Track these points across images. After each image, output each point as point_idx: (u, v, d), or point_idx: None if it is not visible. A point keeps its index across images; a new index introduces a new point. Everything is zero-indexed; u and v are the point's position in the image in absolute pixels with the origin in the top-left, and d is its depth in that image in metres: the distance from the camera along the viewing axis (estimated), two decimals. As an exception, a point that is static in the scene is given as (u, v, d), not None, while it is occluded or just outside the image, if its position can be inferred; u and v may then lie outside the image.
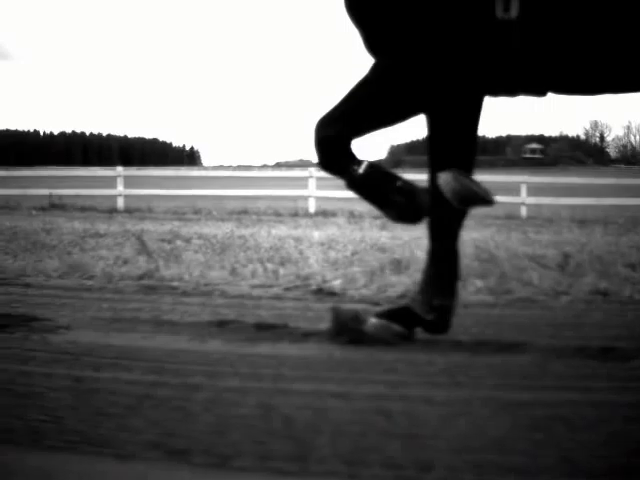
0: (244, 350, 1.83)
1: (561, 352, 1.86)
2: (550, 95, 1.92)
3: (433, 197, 1.89)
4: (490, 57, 1.76)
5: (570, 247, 4.50)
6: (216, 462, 1.11)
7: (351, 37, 1.92)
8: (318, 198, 10.74)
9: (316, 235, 5.94)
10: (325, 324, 2.01)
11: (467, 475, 1.10)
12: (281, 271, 3.07)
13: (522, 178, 11.18)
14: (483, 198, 1.87)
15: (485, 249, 3.58)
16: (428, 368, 1.70)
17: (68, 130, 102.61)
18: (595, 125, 79.36)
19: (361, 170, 1.81)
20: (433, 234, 1.99)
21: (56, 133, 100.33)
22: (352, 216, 9.71)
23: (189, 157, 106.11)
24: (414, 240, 5.59)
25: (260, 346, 1.88)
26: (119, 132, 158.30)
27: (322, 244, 5.26)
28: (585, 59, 1.76)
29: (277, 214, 10.31)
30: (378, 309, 2.19)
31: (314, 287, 2.74)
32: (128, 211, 10.11)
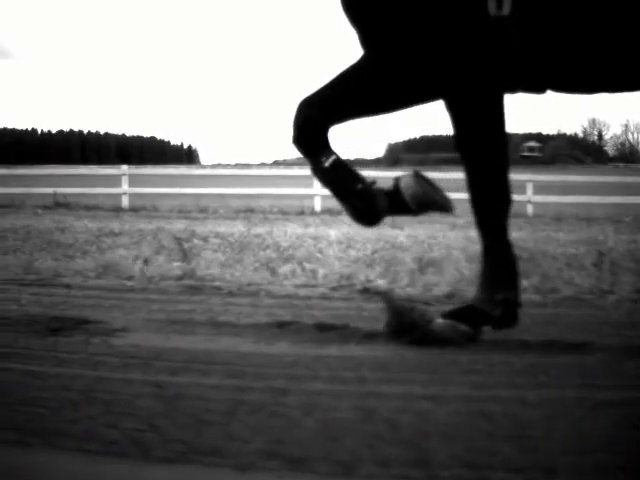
0: (314, 352, 1.81)
1: (630, 351, 1.85)
2: (549, 93, 1.94)
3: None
4: (484, 54, 1.77)
5: (593, 246, 4.50)
6: (340, 470, 1.08)
7: (348, 36, 1.95)
8: (323, 197, 10.70)
9: (332, 234, 5.91)
10: (383, 324, 1.99)
11: (591, 478, 1.08)
12: (320, 271, 3.04)
13: (527, 176, 11.21)
14: (441, 206, 1.89)
15: (525, 248, 3.58)
16: (505, 368, 1.68)
17: (66, 129, 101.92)
18: (593, 123, 79.24)
19: (327, 164, 1.83)
20: (482, 231, 1.98)
21: (54, 132, 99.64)
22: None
23: (187, 155, 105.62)
24: (431, 239, 5.60)
25: (329, 348, 1.85)
26: (117, 130, 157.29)
27: (340, 243, 5.23)
28: (580, 56, 1.77)
29: (283, 212, 10.27)
30: (432, 308, 2.18)
31: (359, 287, 2.72)
32: (133, 209, 10.04)
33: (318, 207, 10.42)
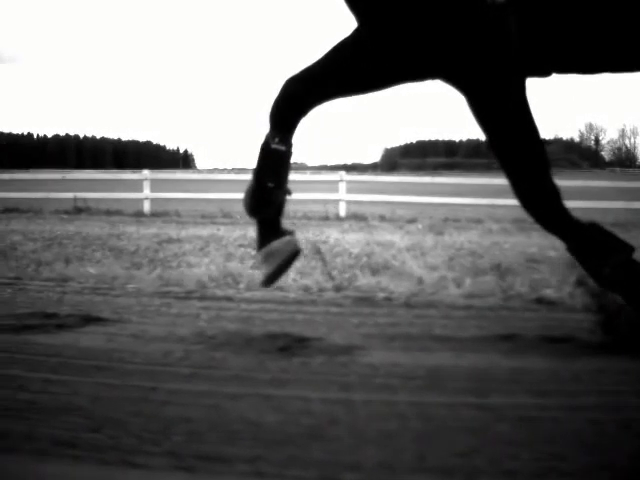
0: (579, 366, 1.78)
1: None
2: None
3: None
4: (484, 40, 1.79)
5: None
6: None
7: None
8: (348, 202, 10.67)
9: (397, 239, 5.89)
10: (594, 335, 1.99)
11: None
12: (467, 280, 3.01)
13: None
14: (267, 277, 1.92)
15: None
16: None
17: (62, 133, 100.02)
18: (590, 128, 79.44)
19: (272, 146, 1.86)
20: (553, 232, 1.98)
21: (50, 136, 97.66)
22: (384, 220, 9.68)
23: (184, 160, 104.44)
24: (495, 245, 5.62)
25: (586, 360, 1.83)
26: (113, 135, 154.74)
27: (408, 249, 5.21)
28: (580, 37, 1.80)
29: (307, 217, 10.18)
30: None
31: (529, 297, 2.69)
32: (155, 215, 9.83)
33: (343, 212, 10.38)
